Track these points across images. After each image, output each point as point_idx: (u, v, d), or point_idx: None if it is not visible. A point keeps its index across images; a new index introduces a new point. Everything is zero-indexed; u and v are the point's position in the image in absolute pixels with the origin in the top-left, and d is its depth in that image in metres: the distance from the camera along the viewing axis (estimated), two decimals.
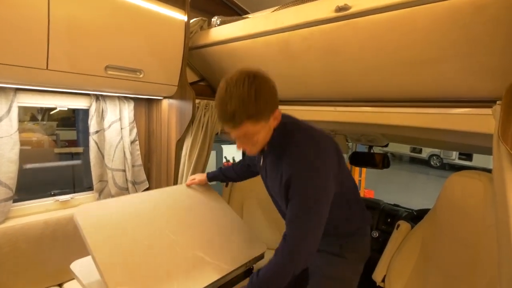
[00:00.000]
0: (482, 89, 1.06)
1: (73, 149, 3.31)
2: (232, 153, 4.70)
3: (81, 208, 1.12)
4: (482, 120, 1.04)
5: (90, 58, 1.32)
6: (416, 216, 1.75)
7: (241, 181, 1.62)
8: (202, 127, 1.77)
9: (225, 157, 4.71)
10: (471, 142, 1.30)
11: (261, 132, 0.91)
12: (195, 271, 1.09)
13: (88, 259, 1.16)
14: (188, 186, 1.51)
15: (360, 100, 1.53)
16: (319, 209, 0.90)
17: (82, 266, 1.12)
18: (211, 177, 1.54)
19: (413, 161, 11.51)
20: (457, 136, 1.31)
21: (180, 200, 1.41)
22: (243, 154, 1.68)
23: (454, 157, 9.99)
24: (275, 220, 1.99)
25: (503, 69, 0.92)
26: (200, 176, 1.53)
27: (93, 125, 1.69)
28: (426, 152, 10.70)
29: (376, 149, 2.10)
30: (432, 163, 10.63)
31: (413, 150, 10.90)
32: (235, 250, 1.28)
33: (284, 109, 1.87)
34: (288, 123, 1.01)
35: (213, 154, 4.67)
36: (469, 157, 9.24)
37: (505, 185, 0.74)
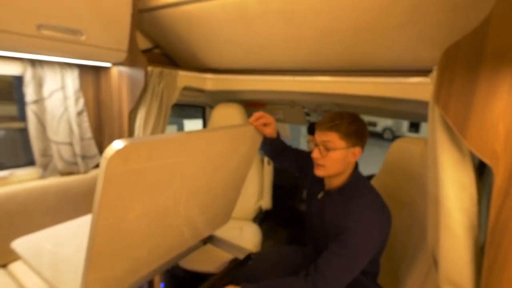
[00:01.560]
0: (429, 59, 1.13)
1: (13, 124, 2.98)
2: (195, 127, 4.59)
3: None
4: (428, 89, 1.12)
5: (18, 14, 1.15)
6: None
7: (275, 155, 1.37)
8: (157, 97, 1.68)
9: None
10: (421, 111, 1.41)
11: (337, 152, 1.00)
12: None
13: (32, 237, 1.09)
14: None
15: (317, 70, 1.56)
16: (359, 262, 0.96)
17: (26, 244, 1.04)
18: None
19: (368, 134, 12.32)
20: (408, 105, 1.41)
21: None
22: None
23: (404, 130, 11.01)
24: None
25: (448, 39, 0.98)
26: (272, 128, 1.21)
27: (29, 94, 1.51)
28: (380, 126, 11.48)
29: None
30: (385, 136, 11.45)
31: (368, 124, 11.63)
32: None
33: (244, 79, 1.86)
34: (362, 178, 1.11)
35: (173, 129, 4.52)
36: (416, 129, 10.23)
37: (436, 145, 0.82)
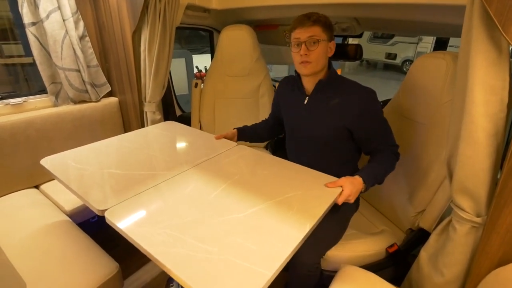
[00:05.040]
0: None
1: (21, 59, 2.96)
2: (203, 62, 4.40)
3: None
4: None
5: None
6: (382, 106, 1.82)
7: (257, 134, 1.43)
8: (160, 15, 1.55)
9: (197, 67, 4.44)
10: (451, 20, 1.25)
11: (323, 45, 1.03)
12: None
13: (57, 156, 1.15)
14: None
15: None
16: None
17: (53, 162, 1.10)
18: (240, 132, 1.38)
19: (387, 67, 11.58)
20: (437, 13, 1.25)
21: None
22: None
23: None
24: (242, 116, 2.02)
25: None
26: (232, 132, 1.36)
27: (26, 14, 1.43)
28: (400, 58, 10.71)
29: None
30: (404, 69, 10.76)
31: (388, 56, 10.84)
32: None
33: None
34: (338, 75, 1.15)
35: (182, 61, 4.35)
36: None
37: (470, 45, 0.73)
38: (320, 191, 0.94)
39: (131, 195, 0.89)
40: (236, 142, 1.33)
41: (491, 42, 0.70)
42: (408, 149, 1.29)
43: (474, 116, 0.75)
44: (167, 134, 1.40)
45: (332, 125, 1.11)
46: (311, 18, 1.01)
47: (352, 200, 0.96)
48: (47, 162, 1.09)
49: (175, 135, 1.41)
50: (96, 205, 0.83)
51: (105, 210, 0.82)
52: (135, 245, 0.72)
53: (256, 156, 1.21)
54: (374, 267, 1.15)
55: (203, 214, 0.82)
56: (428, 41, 9.13)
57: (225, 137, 1.33)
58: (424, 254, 1.02)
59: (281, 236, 0.74)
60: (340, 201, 0.92)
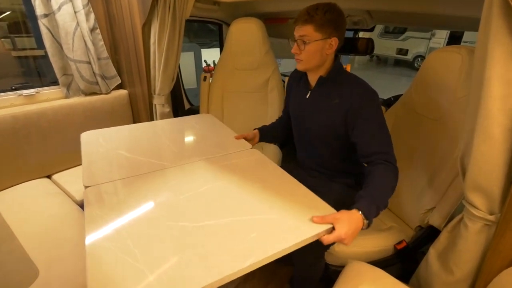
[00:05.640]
0: None
1: (33, 52, 3.02)
2: (212, 56, 4.40)
3: None
4: None
5: None
6: (393, 102, 1.79)
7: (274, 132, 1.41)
8: (169, 8, 1.54)
9: (205, 61, 4.44)
10: (463, 13, 1.21)
11: (314, 44, 1.01)
12: None
13: (93, 132, 1.30)
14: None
15: None
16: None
17: (88, 137, 1.26)
18: (261, 133, 1.35)
19: (398, 63, 11.36)
20: (455, 5, 1.21)
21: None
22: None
23: None
24: (251, 110, 2.01)
25: None
26: (253, 133, 1.33)
27: (38, 6, 1.44)
28: (411, 53, 10.48)
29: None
30: (416, 65, 10.54)
31: (399, 52, 10.63)
32: None
33: None
34: (344, 69, 1.11)
35: (191, 55, 4.35)
36: None
37: (489, 37, 0.70)
38: (300, 223, 0.77)
39: (116, 178, 0.95)
40: (256, 143, 1.32)
41: (511, 33, 0.68)
42: (419, 145, 1.27)
43: (490, 110, 0.73)
44: (197, 127, 1.47)
45: (329, 122, 1.09)
46: (304, 16, 1.00)
47: (348, 244, 0.76)
48: (83, 136, 1.26)
49: (202, 128, 1.45)
50: (83, 181, 0.93)
51: (88, 186, 0.89)
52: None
53: (259, 165, 1.11)
54: (381, 263, 1.14)
55: (160, 212, 0.80)
56: (441, 37, 8.89)
57: (245, 138, 1.30)
58: (434, 251, 1.01)
59: (215, 263, 0.63)
60: (328, 242, 0.74)
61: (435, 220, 1.12)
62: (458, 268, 0.90)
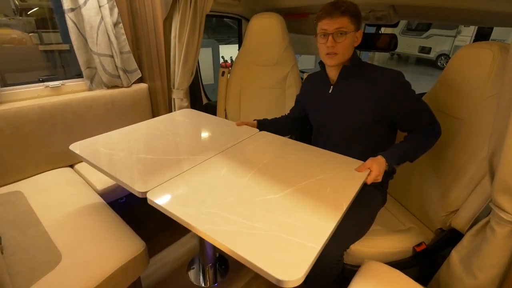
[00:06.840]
0: None
1: (59, 46, 3.12)
2: (229, 52, 4.42)
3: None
4: None
5: None
6: None
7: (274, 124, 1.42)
8: (191, 2, 1.56)
9: (223, 57, 4.46)
10: (496, 7, 1.15)
11: (350, 36, 1.02)
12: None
13: (86, 141, 1.19)
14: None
15: None
16: None
17: (82, 147, 1.15)
18: (260, 124, 1.38)
19: (420, 62, 10.99)
20: (481, 0, 1.15)
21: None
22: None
23: None
24: (268, 106, 2.00)
25: None
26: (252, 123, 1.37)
27: (66, 0, 1.49)
28: (434, 52, 10.08)
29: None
30: (439, 63, 10.15)
31: (422, 50, 10.27)
32: None
33: None
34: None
35: (209, 51, 4.37)
36: None
37: None
38: (349, 173, 0.97)
39: (167, 178, 0.92)
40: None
41: None
42: (443, 145, 1.22)
43: None
44: (188, 121, 1.43)
45: (358, 110, 1.09)
46: (340, 8, 0.99)
47: (380, 179, 0.98)
48: (76, 147, 1.13)
49: (197, 122, 1.44)
50: (138, 188, 0.86)
51: (147, 192, 0.84)
52: (184, 224, 0.74)
53: (280, 141, 1.22)
54: (399, 265, 1.11)
55: (241, 195, 0.84)
56: (468, 34, 8.48)
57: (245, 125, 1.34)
58: (456, 254, 0.97)
59: (321, 214, 0.76)
60: (369, 181, 0.95)
61: (458, 223, 1.08)
62: (482, 273, 0.87)
